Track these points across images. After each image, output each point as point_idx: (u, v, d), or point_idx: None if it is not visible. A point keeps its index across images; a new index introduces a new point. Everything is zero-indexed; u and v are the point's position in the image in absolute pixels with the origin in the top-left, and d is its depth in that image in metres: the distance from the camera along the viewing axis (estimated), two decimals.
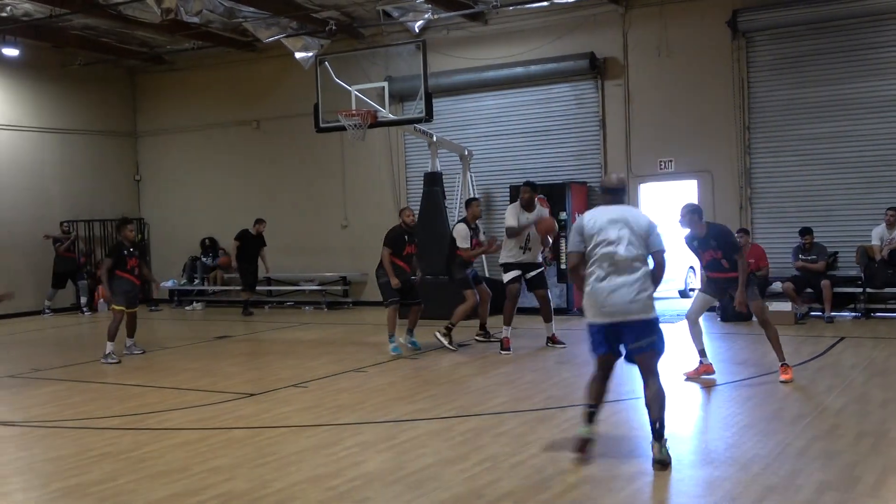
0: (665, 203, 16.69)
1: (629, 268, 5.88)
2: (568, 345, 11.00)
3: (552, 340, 11.12)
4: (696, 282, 16.43)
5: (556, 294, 14.83)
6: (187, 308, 18.89)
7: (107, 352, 11.13)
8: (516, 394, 8.42)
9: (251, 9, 15.27)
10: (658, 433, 5.80)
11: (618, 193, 6.32)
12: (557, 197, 14.86)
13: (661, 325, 6.04)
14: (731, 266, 8.58)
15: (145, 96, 20.73)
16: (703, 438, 6.83)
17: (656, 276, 6.05)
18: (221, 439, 7.03)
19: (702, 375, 8.74)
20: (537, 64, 15.68)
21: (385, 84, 14.56)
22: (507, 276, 10.96)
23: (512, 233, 10.77)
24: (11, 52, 16.97)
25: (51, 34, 17.18)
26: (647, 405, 5.89)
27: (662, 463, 5.72)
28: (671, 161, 15.00)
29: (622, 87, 15.28)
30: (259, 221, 16.85)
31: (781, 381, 8.37)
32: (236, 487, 5.66)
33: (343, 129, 14.14)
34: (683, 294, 17.23)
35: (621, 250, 5.88)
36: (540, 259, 11.22)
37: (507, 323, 10.91)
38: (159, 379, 10.04)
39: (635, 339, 5.89)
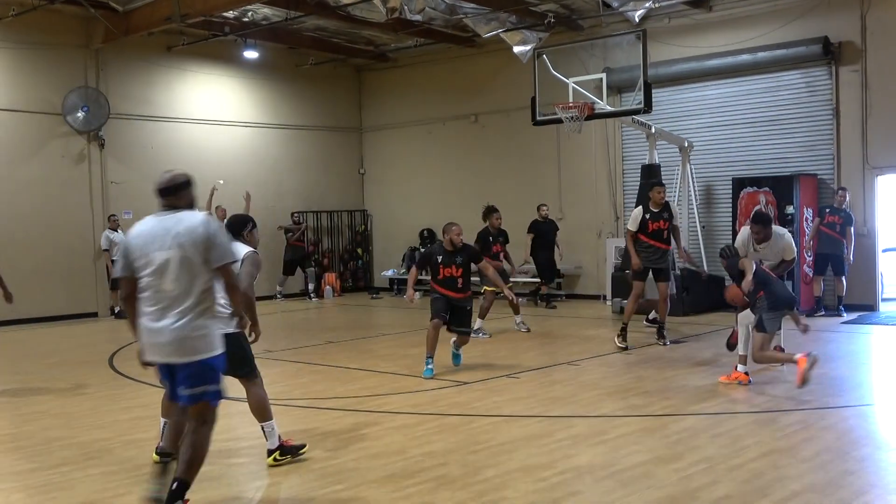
0: None
1: (178, 303, 4.71)
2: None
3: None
4: None
5: None
6: (405, 297, 19.47)
7: (475, 327, 11.81)
8: (734, 395, 8.11)
9: (471, 5, 15.54)
10: (174, 495, 4.72)
11: (171, 196, 4.87)
12: (784, 190, 14.16)
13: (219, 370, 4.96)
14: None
15: (370, 93, 21.64)
16: None
17: (231, 298, 5.11)
18: (436, 425, 7.24)
19: (735, 382, 8.49)
20: (765, 50, 14.94)
21: (603, 75, 14.37)
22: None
23: None
24: (251, 54, 18.25)
25: (286, 36, 18.30)
26: (179, 458, 4.88)
27: None
28: None
29: (859, 73, 14.27)
30: (542, 206, 16.27)
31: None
32: (450, 472, 5.82)
33: (560, 121, 14.11)
34: None
35: (167, 282, 4.72)
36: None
37: None
38: (379, 364, 10.47)
39: (186, 385, 4.80)
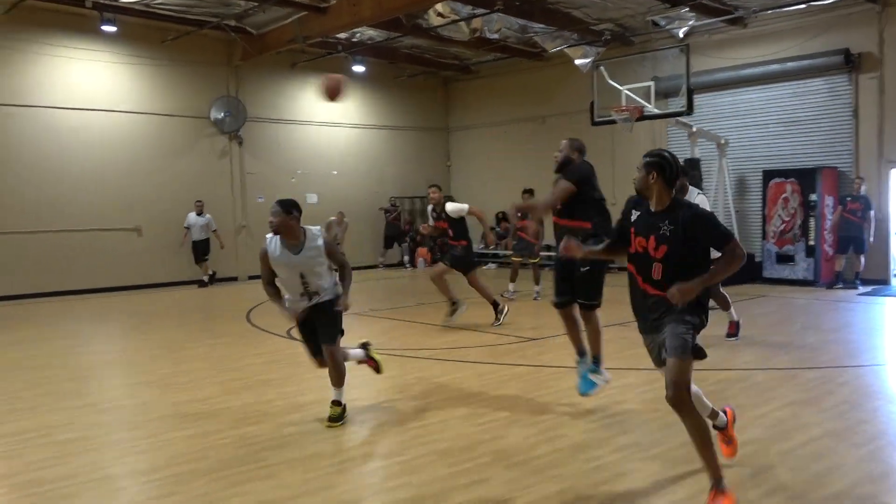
0: None
1: None
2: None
3: None
4: None
5: (802, 268, 13.73)
6: (483, 268, 19.44)
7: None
8: (763, 353, 7.85)
9: (540, 25, 15.30)
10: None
11: None
12: (808, 180, 13.63)
13: None
14: None
15: (455, 99, 21.55)
16: None
17: None
18: (508, 373, 7.20)
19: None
20: (792, 61, 14.32)
21: (651, 83, 13.99)
22: None
23: None
24: (359, 68, 18.32)
25: (387, 53, 18.32)
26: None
27: None
28: None
29: (877, 80, 13.56)
30: None
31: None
32: (519, 412, 5.78)
33: (614, 122, 13.84)
34: None
35: None
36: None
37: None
38: (461, 321, 10.45)
39: None
